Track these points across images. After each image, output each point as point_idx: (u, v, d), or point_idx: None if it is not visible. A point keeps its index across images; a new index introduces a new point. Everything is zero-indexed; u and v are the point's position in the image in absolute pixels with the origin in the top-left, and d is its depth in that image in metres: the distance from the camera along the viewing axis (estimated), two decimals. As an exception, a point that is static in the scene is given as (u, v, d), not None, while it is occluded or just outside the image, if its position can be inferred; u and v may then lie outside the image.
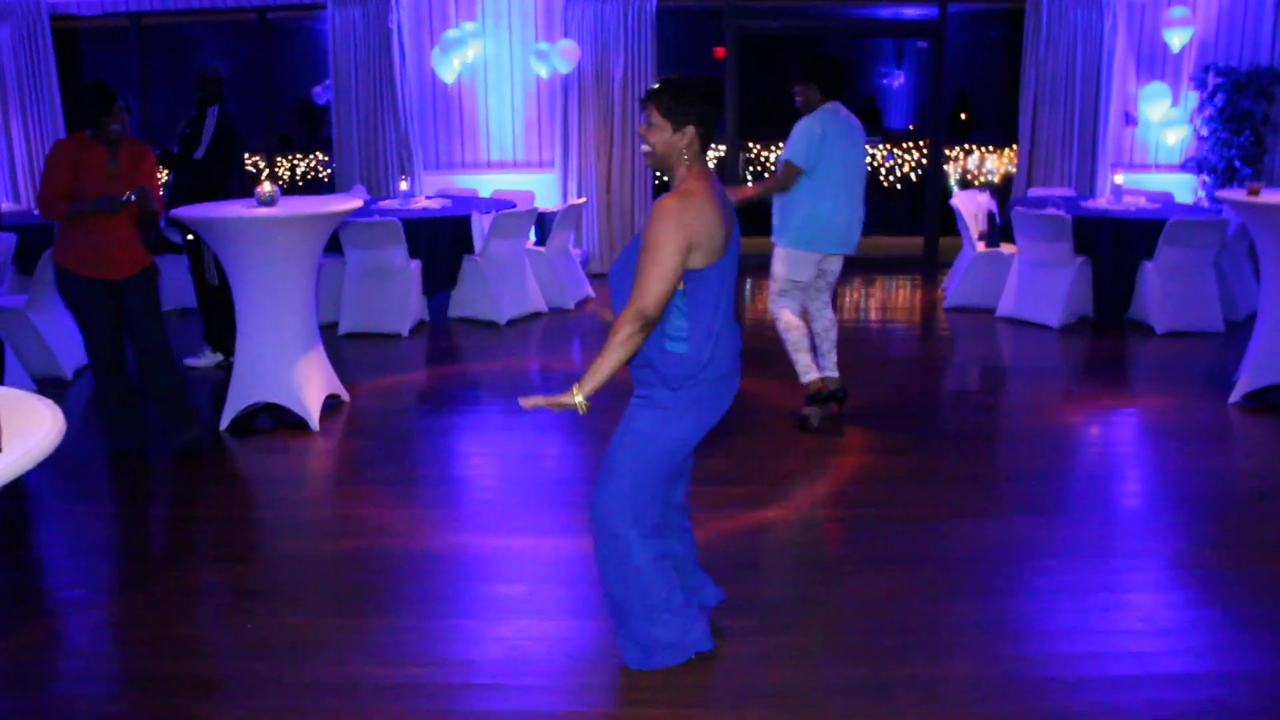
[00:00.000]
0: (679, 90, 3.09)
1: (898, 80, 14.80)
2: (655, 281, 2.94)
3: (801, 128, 5.43)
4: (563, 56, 9.75)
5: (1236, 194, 6.00)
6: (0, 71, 10.43)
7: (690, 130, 3.09)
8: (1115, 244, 7.96)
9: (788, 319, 5.73)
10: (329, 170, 11.10)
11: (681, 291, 3.06)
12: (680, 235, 2.95)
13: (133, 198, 5.11)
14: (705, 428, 3.25)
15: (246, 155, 11.70)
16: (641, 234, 3.04)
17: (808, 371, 5.74)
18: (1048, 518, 4.61)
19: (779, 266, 5.69)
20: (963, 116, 13.26)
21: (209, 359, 7.27)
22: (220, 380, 6.67)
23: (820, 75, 5.43)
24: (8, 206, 10.04)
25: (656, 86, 3.14)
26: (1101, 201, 8.69)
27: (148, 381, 5.48)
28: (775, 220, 5.69)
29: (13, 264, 7.42)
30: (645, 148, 3.16)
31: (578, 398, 3.00)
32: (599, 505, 3.23)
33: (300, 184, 12.04)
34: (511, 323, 8.29)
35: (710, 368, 3.15)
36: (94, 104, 5.09)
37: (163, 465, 5.48)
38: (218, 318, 7.20)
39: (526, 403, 3.04)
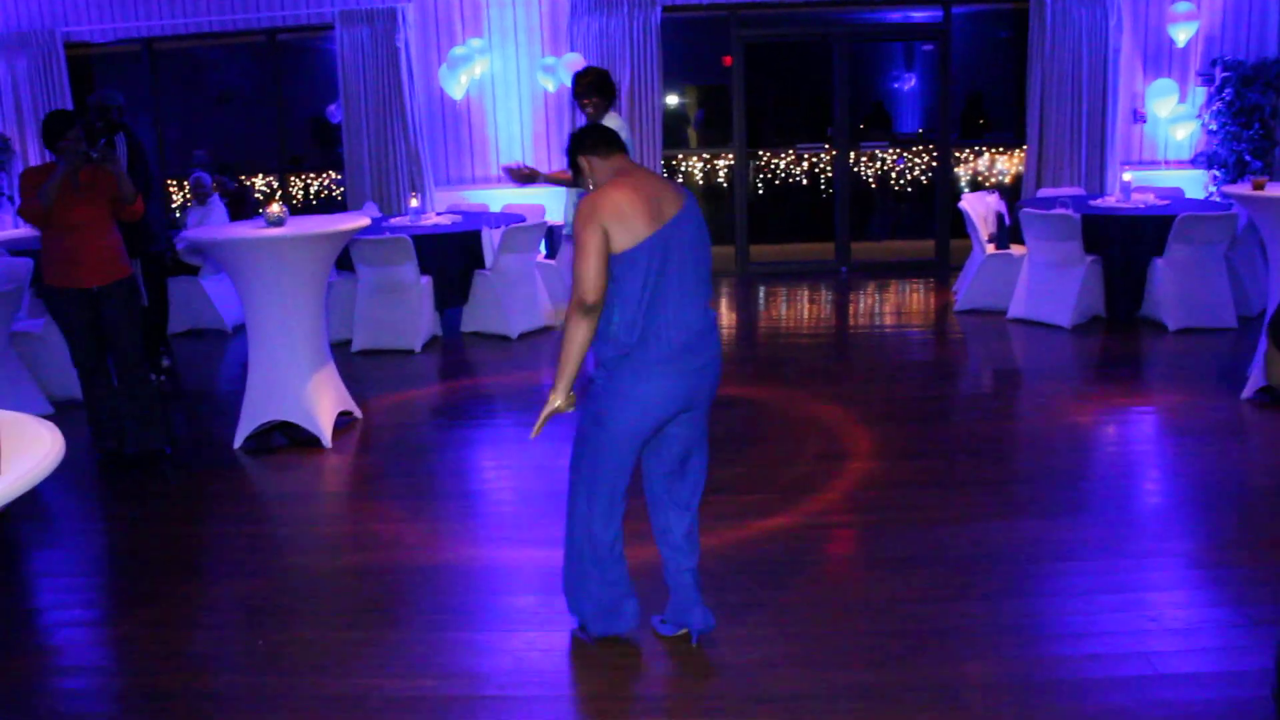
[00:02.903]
0: (567, 159, 3.50)
1: (909, 83, 14.77)
2: (585, 269, 3.18)
3: (619, 127, 6.18)
4: (569, 70, 9.80)
5: (1242, 188, 5.98)
6: (16, 99, 10.59)
7: (585, 166, 3.44)
8: (1125, 242, 7.93)
9: None
10: (342, 189, 11.19)
11: (613, 278, 3.24)
12: (595, 224, 3.19)
13: (94, 155, 5.38)
14: (658, 409, 3.31)
15: (261, 175, 11.87)
16: None
17: None
18: (1060, 518, 4.61)
19: None
20: (980, 122, 13.22)
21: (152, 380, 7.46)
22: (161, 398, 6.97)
23: (607, 90, 6.28)
24: (27, 232, 10.15)
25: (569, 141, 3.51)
26: (1110, 200, 8.67)
27: (123, 387, 5.77)
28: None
29: (30, 289, 7.51)
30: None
31: (558, 401, 3.31)
32: (579, 465, 3.46)
33: (314, 203, 12.13)
34: (523, 336, 8.33)
35: (645, 349, 3.26)
36: (51, 130, 5.43)
37: (174, 483, 5.54)
38: (150, 336, 7.37)
39: (534, 433, 3.36)
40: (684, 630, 3.63)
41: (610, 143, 3.43)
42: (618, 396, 3.30)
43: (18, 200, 5.68)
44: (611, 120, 6.27)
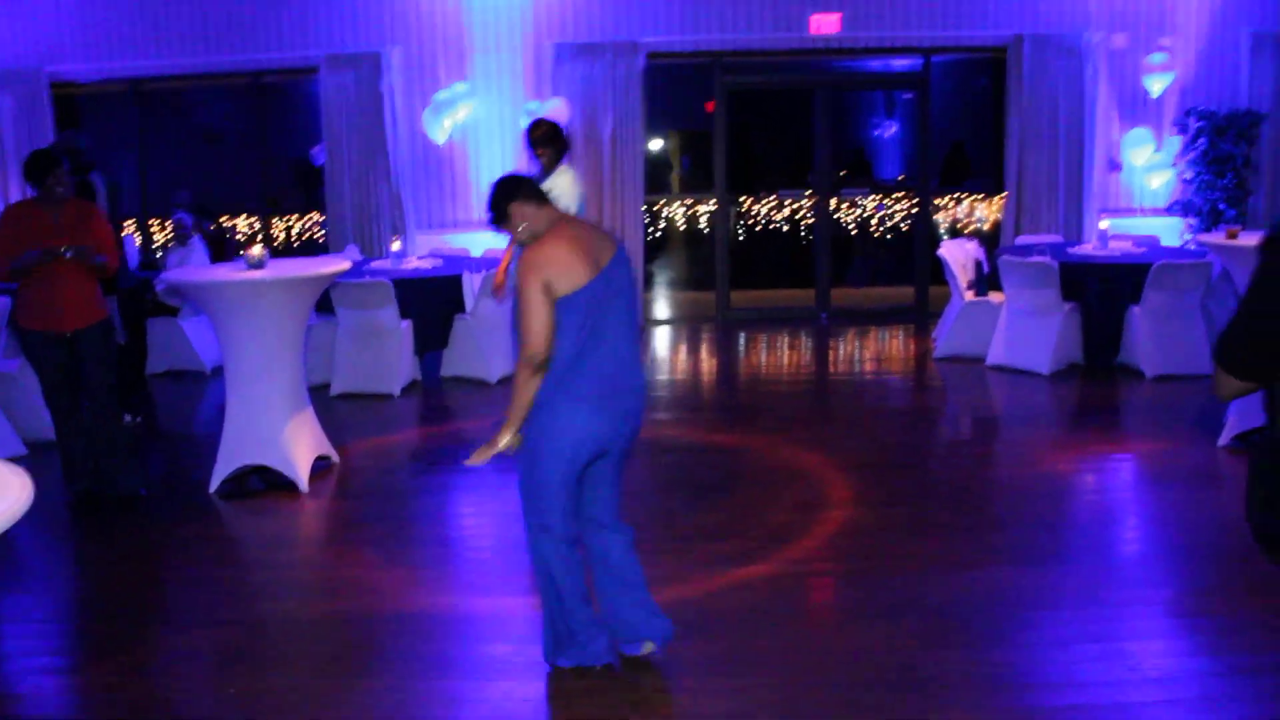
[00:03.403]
0: (491, 202, 3.53)
1: (889, 130, 14.94)
2: (531, 325, 3.33)
3: (569, 180, 6.36)
4: (553, 116, 9.86)
5: (1217, 237, 6.06)
6: (1, 139, 10.56)
7: (516, 213, 3.48)
8: (1102, 289, 8.00)
9: None
10: (324, 231, 11.19)
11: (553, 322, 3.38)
12: (537, 279, 3.33)
13: (68, 254, 5.39)
14: (592, 442, 3.44)
15: (244, 216, 11.87)
16: None
17: None
18: (1039, 567, 4.60)
19: None
20: (968, 169, 13.34)
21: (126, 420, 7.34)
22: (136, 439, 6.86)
23: (560, 141, 6.43)
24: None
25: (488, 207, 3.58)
26: (1088, 247, 8.75)
27: (96, 429, 5.72)
28: None
29: (7, 329, 7.46)
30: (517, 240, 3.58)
31: (502, 443, 3.43)
32: (525, 502, 3.56)
33: (296, 245, 12.12)
34: (503, 381, 8.29)
35: (576, 383, 3.39)
36: (35, 169, 5.45)
37: (148, 527, 5.47)
38: (126, 376, 7.29)
39: (472, 461, 3.47)
40: (649, 644, 3.72)
41: (541, 195, 3.55)
42: (545, 434, 3.42)
43: None
44: (564, 172, 6.40)
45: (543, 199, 3.54)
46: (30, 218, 5.47)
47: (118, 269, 5.77)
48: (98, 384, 5.67)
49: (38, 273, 5.42)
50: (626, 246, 3.62)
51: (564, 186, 6.29)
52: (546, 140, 6.37)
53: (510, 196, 3.50)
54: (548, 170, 6.39)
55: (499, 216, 3.54)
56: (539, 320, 3.32)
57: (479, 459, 3.46)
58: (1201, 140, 9.93)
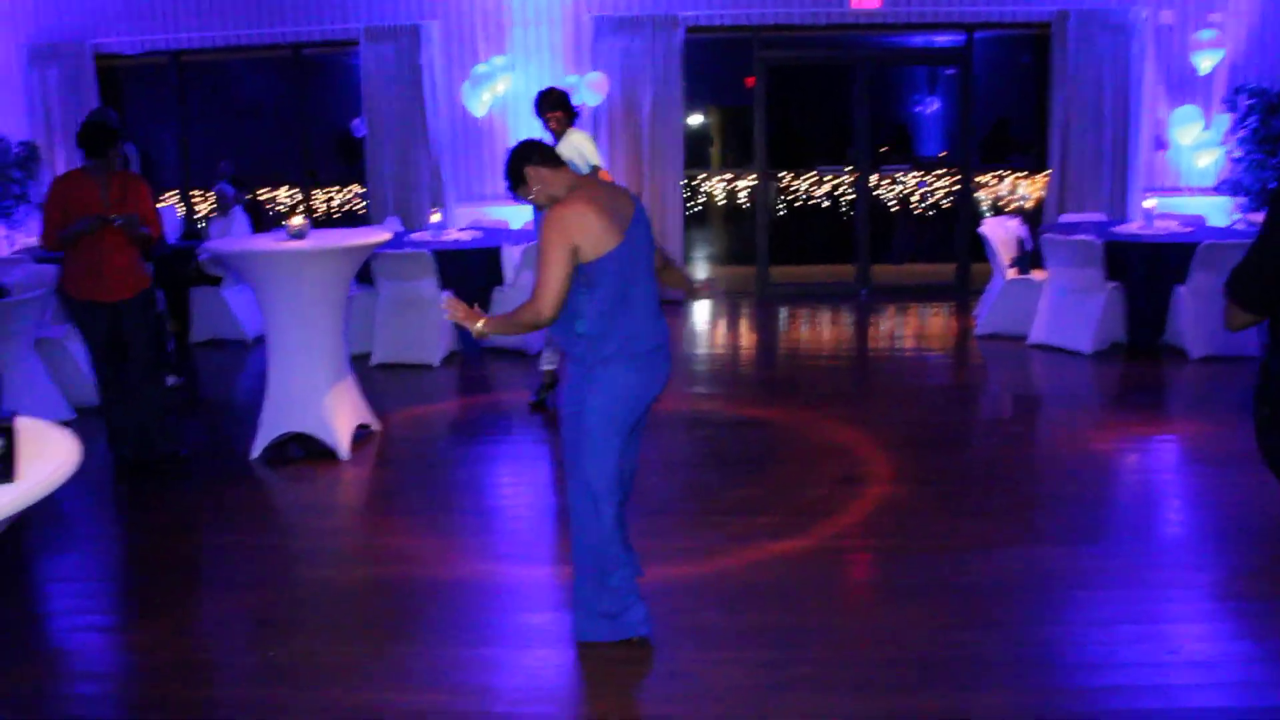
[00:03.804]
0: (508, 168, 3.55)
1: (931, 106, 14.77)
2: (549, 283, 3.31)
3: (583, 137, 6.44)
4: (592, 89, 9.84)
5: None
6: (46, 109, 10.69)
7: (532, 175, 3.49)
8: (1147, 269, 7.88)
9: None
10: (365, 203, 11.25)
11: (584, 285, 3.39)
12: (564, 240, 3.31)
13: (118, 222, 5.48)
14: (636, 399, 3.49)
15: (285, 188, 11.96)
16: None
17: (550, 362, 6.83)
18: (1079, 547, 4.56)
19: None
20: (1016, 145, 13.15)
21: (173, 381, 7.52)
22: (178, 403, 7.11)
23: (569, 107, 6.46)
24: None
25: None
26: (1133, 226, 8.62)
27: (139, 396, 5.80)
28: None
29: (55, 296, 7.57)
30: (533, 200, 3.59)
31: (478, 324, 3.46)
32: (576, 472, 3.58)
33: (336, 216, 12.20)
34: (541, 353, 8.32)
35: (616, 344, 3.43)
36: (99, 140, 5.53)
37: (191, 492, 5.56)
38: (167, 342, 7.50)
39: (444, 303, 3.55)
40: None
41: (557, 158, 3.55)
42: (599, 391, 3.45)
43: (40, 221, 5.73)
44: (576, 133, 6.48)
45: (558, 162, 3.54)
46: (79, 189, 5.54)
47: (159, 237, 5.85)
48: (140, 352, 5.76)
49: (84, 243, 5.50)
50: (643, 201, 3.63)
51: (582, 143, 6.38)
52: (557, 104, 6.45)
53: (525, 160, 3.51)
54: (559, 134, 6.46)
55: (515, 181, 3.54)
56: (557, 280, 3.31)
57: (449, 306, 3.51)
58: (1252, 119, 9.73)
